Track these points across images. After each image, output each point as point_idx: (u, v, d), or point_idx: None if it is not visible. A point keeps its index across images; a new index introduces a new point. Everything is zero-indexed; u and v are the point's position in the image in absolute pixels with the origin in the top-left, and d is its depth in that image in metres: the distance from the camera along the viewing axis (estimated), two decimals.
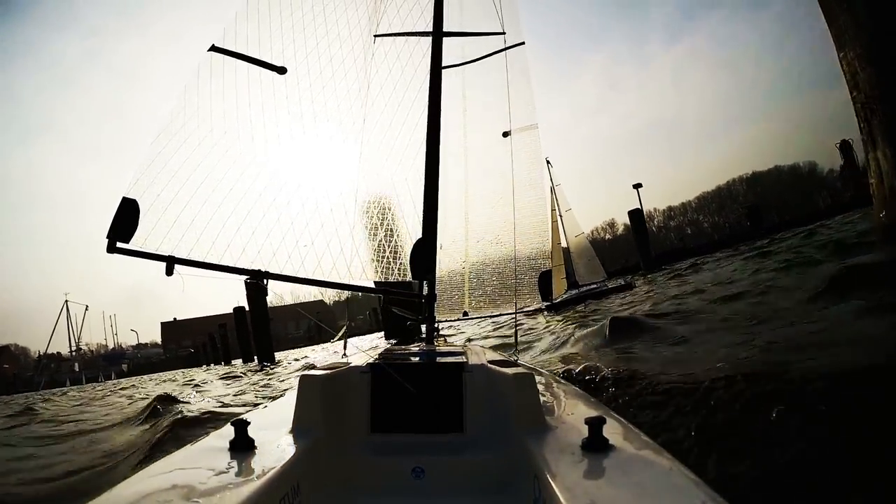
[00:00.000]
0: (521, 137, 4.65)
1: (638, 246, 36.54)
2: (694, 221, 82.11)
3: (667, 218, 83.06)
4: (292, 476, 1.83)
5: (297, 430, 2.17)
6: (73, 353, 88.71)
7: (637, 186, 41.51)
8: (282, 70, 3.78)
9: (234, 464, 1.79)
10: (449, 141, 4.51)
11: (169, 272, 3.07)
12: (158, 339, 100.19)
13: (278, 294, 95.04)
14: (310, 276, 3.61)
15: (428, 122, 4.26)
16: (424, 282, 4.06)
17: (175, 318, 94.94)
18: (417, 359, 2.88)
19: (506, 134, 4.60)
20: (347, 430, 2.41)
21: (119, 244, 2.98)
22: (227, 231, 3.39)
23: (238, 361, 35.35)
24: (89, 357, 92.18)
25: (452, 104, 4.58)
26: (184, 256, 3.15)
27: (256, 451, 1.90)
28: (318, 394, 2.27)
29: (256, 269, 3.40)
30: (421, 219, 4.12)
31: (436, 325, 4.16)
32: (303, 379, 2.30)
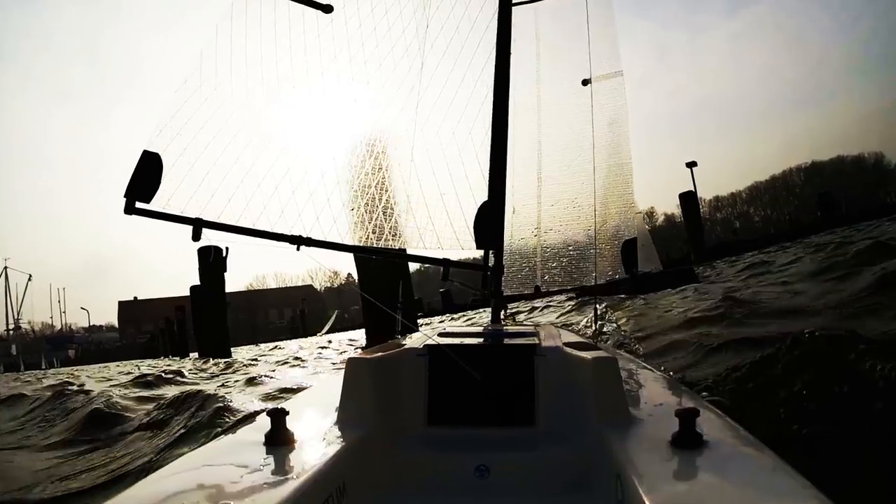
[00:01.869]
0: (604, 86, 4.08)
1: (689, 235, 32.45)
2: (743, 214, 75.56)
3: (713, 209, 75.56)
4: (337, 475, 1.71)
5: (343, 422, 2.05)
6: (11, 333, 71.45)
7: (691, 165, 36.77)
8: (327, 8, 3.34)
9: (270, 461, 1.67)
10: (519, 90, 3.99)
11: (196, 237, 2.76)
12: (115, 321, 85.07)
13: (259, 276, 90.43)
14: (356, 243, 3.22)
15: (495, 69, 3.76)
16: (490, 252, 3.62)
17: (136, 298, 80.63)
18: (482, 340, 2.66)
19: (585, 82, 4.05)
20: (401, 422, 2.27)
21: (138, 204, 2.66)
22: (262, 192, 3.02)
23: (196, 354, 28.42)
24: (31, 338, 75.72)
25: (523, 46, 4.05)
26: (213, 220, 2.81)
27: (295, 446, 1.79)
28: (366, 380, 2.13)
29: (295, 234, 3.01)
30: (486, 179, 3.66)
31: (504, 302, 3.75)
32: (350, 363, 2.16)
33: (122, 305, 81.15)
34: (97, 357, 56.64)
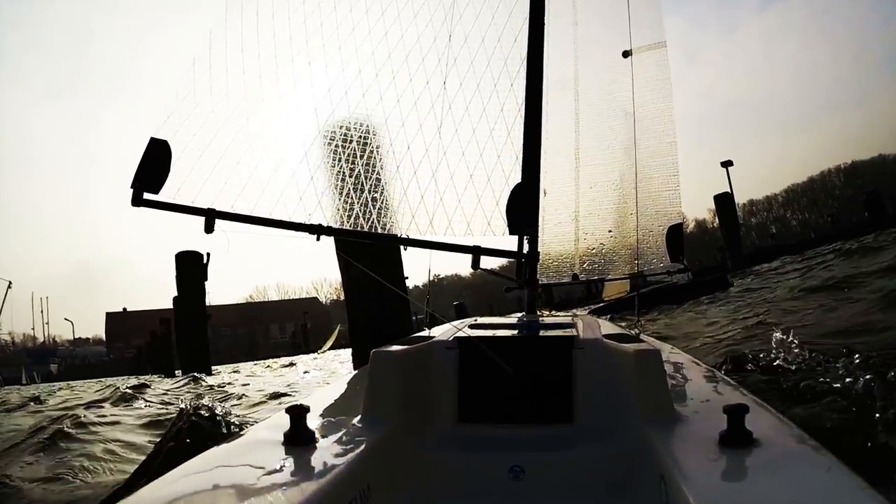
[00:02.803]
0: (646, 58, 3.75)
1: (726, 239, 29.98)
2: (780, 218, 72.04)
3: (748, 213, 70.86)
4: (360, 477, 1.65)
5: (368, 420, 1.98)
6: None
7: (727, 164, 33.80)
8: None
9: (290, 461, 1.59)
10: (554, 62, 3.71)
11: (208, 229, 2.62)
12: (103, 334, 76.26)
13: (260, 287, 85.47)
14: (380, 231, 3.05)
15: (528, 39, 3.51)
16: (525, 238, 3.41)
17: (125, 309, 71.18)
18: (516, 331, 2.59)
19: (626, 53, 3.72)
20: (429, 419, 2.20)
21: (146, 195, 2.53)
22: (279, 179, 2.86)
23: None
24: (11, 351, 67.71)
25: (559, 14, 3.74)
26: (227, 210, 2.66)
27: (317, 445, 1.72)
28: (393, 374, 2.05)
29: (315, 223, 2.85)
30: (520, 159, 3.42)
31: (539, 292, 3.55)
32: (375, 356, 2.06)
33: (110, 317, 73.08)
34: (82, 372, 50.28)
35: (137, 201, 2.50)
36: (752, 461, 1.43)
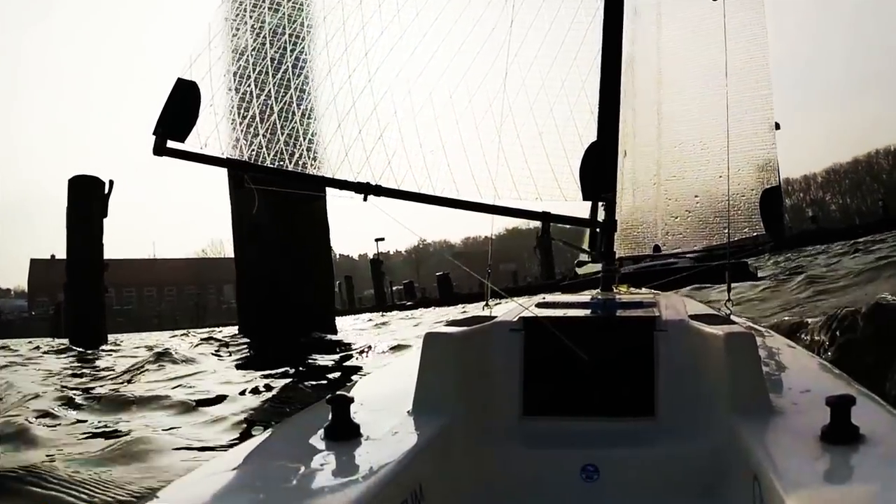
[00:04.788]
0: (737, 1, 3.29)
1: (764, 205, 28.27)
2: (817, 201, 66.77)
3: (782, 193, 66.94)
4: (412, 477, 1.52)
5: (420, 412, 1.84)
6: None
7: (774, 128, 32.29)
8: None
9: (331, 459, 1.50)
10: (635, 6, 3.36)
11: (239, 183, 2.34)
12: (25, 285, 66.51)
13: (216, 241, 71.83)
14: (438, 193, 2.72)
15: None
16: (601, 204, 3.10)
17: (53, 256, 53.23)
18: (590, 312, 2.40)
19: None
20: (490, 412, 2.04)
21: (171, 143, 2.27)
22: (323, 131, 2.58)
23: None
24: None
25: None
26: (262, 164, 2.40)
27: (362, 440, 1.59)
28: (448, 360, 1.91)
29: (363, 181, 2.54)
30: (595, 116, 3.09)
31: (616, 265, 3.22)
32: (428, 339, 1.93)
33: (35, 265, 61.02)
34: None
35: (160, 150, 2.25)
36: (859, 460, 1.34)
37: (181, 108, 2.28)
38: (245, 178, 2.27)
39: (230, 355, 8.94)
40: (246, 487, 1.37)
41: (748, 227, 3.24)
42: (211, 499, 1.28)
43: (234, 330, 11.28)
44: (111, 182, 17.48)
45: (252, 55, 2.44)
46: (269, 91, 2.47)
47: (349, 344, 9.55)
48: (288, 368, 6.62)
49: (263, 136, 2.40)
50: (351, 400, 1.64)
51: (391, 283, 50.88)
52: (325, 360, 7.66)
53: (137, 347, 13.65)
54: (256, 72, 2.44)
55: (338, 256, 79.45)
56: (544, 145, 3.00)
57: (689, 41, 3.40)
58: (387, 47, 2.79)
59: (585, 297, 2.97)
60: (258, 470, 1.47)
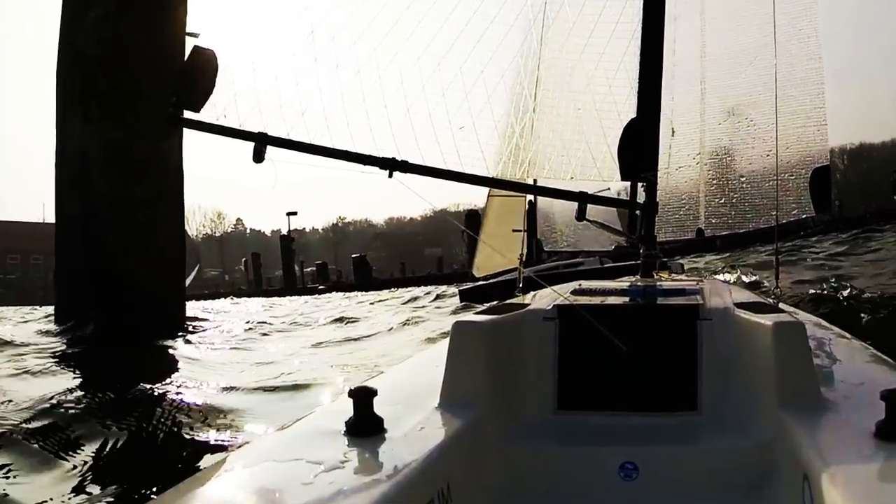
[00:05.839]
0: None
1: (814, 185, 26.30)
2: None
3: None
4: (439, 474, 1.49)
5: (447, 406, 1.81)
6: None
7: None
8: None
9: (353, 454, 1.44)
10: None
11: (258, 157, 2.23)
12: None
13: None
14: (466, 171, 2.60)
15: None
16: (641, 185, 2.95)
17: None
18: (629, 299, 2.36)
19: None
20: (522, 405, 2.01)
21: (187, 114, 2.20)
22: (348, 104, 2.47)
23: None
24: None
25: None
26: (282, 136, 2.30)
27: (386, 435, 1.55)
28: (478, 350, 1.88)
29: (388, 157, 2.43)
30: (635, 91, 2.95)
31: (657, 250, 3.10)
32: (457, 328, 1.90)
33: None
34: None
35: (175, 120, 2.18)
36: None
37: (197, 77, 2.21)
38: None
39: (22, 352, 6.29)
40: (261, 486, 1.33)
41: (797, 209, 3.14)
42: (224, 498, 1.26)
43: (51, 311, 9.02)
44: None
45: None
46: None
47: (190, 341, 7.47)
48: (84, 377, 4.97)
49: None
50: (374, 393, 1.59)
51: (303, 262, 45.59)
52: (148, 367, 5.71)
53: None
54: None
55: (248, 231, 74.46)
56: (581, 122, 2.88)
57: (737, 11, 3.29)
58: (416, 19, 2.69)
59: (624, 283, 2.89)
60: (274, 468, 1.43)
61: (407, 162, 2.44)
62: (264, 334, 8.92)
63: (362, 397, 1.58)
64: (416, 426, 1.69)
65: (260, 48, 2.35)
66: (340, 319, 11.54)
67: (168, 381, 4.70)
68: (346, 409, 1.59)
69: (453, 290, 17.50)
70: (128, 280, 6.75)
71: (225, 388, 4.51)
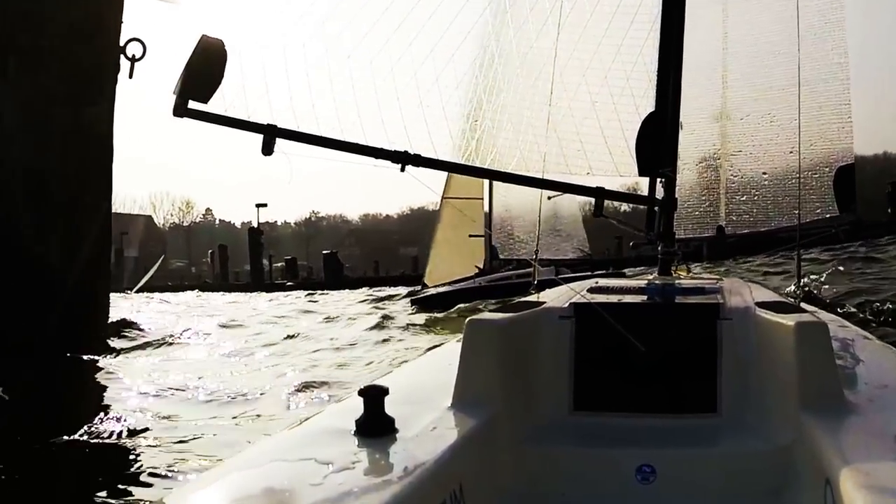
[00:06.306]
0: None
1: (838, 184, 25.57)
2: None
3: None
4: (452, 475, 1.48)
5: (461, 406, 1.80)
6: None
7: None
8: None
9: (363, 454, 1.43)
10: None
11: (267, 150, 2.20)
12: None
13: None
14: (485, 166, 2.62)
15: None
16: (659, 180, 2.91)
17: None
18: (647, 297, 2.34)
19: None
20: (537, 406, 2.00)
21: (192, 104, 2.17)
22: (359, 97, 2.44)
23: None
24: None
25: None
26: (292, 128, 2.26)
27: (397, 435, 1.53)
28: (493, 349, 1.87)
29: (400, 150, 2.40)
30: (653, 84, 2.90)
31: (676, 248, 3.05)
32: (471, 326, 1.89)
33: None
34: None
35: (182, 111, 2.14)
36: None
37: (205, 67, 2.17)
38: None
39: None
40: (270, 487, 1.31)
41: (821, 208, 3.08)
42: (233, 498, 1.24)
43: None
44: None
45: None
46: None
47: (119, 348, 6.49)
48: None
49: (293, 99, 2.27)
50: (385, 392, 1.56)
51: (272, 257, 43.44)
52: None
53: None
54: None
55: (217, 222, 71.70)
56: (598, 116, 2.84)
57: (759, 6, 3.23)
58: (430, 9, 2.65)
59: (642, 281, 2.85)
60: (283, 468, 1.41)
61: (420, 155, 2.41)
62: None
63: (373, 396, 1.55)
64: (428, 426, 1.67)
65: (269, 42, 2.33)
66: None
67: (73, 405, 4.03)
68: (357, 408, 1.56)
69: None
70: (37, 272, 5.89)
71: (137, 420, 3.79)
